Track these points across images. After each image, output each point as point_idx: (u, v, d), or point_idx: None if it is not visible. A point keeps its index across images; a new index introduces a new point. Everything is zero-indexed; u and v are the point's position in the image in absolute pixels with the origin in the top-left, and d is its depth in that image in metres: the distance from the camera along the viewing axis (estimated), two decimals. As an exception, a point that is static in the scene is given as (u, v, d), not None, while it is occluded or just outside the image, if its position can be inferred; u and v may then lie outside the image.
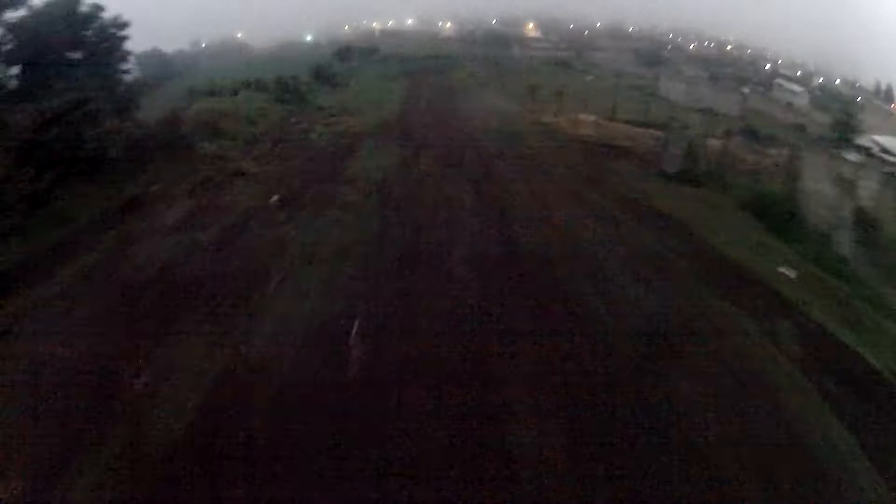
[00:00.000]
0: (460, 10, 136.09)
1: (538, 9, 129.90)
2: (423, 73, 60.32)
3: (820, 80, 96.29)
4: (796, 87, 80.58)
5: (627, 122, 36.00)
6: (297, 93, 42.22)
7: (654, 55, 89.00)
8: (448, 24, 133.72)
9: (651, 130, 31.85)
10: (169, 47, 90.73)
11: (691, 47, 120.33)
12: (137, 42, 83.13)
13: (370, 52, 76.94)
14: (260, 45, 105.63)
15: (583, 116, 34.51)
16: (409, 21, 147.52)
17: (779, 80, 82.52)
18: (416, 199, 19.52)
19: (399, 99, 43.67)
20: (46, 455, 7.85)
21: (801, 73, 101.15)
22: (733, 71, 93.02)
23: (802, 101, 77.42)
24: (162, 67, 75.93)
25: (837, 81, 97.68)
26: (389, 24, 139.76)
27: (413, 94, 47.24)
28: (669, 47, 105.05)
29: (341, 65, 65.96)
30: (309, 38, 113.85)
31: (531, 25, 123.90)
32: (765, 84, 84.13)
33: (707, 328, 11.64)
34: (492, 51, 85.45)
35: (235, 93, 40.43)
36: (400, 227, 16.76)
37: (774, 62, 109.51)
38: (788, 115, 65.80)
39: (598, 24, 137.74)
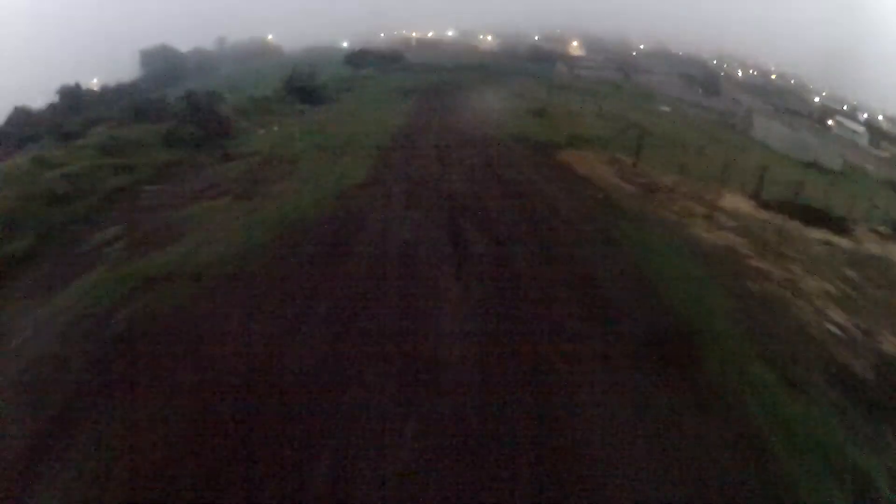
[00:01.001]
0: (502, 25, 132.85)
1: (581, 27, 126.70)
2: (448, 89, 47.81)
3: (864, 116, 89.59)
4: (857, 127, 74.71)
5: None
6: (216, 123, 23.73)
7: (709, 82, 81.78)
8: (489, 38, 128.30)
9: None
10: (201, 43, 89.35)
11: (738, 74, 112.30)
12: (163, 38, 74.84)
13: (392, 60, 65.26)
14: (290, 48, 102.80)
15: (732, 200, 16.66)
16: (450, 33, 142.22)
17: (839, 118, 76.73)
18: None
19: (394, 134, 24.28)
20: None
21: (847, 107, 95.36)
22: (786, 103, 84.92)
23: (863, 141, 71.98)
24: (168, 66, 70.51)
25: (880, 117, 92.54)
26: (430, 34, 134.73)
27: (420, 124, 27.79)
28: (722, 73, 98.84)
29: (353, 72, 55.14)
30: (345, 43, 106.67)
31: (575, 44, 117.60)
32: (821, 121, 77.78)
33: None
34: (535, 67, 77.65)
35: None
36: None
37: (819, 94, 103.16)
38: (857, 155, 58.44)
39: (641, 46, 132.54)
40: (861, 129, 71.81)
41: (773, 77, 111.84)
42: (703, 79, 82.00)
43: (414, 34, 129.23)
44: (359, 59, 61.23)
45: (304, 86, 39.44)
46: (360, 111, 33.23)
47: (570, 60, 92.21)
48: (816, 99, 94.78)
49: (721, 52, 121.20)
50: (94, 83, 59.83)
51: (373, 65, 59.14)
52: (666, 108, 52.09)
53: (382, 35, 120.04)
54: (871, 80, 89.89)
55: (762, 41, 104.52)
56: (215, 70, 77.08)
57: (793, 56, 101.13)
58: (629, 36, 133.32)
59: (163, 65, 69.48)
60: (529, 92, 46.86)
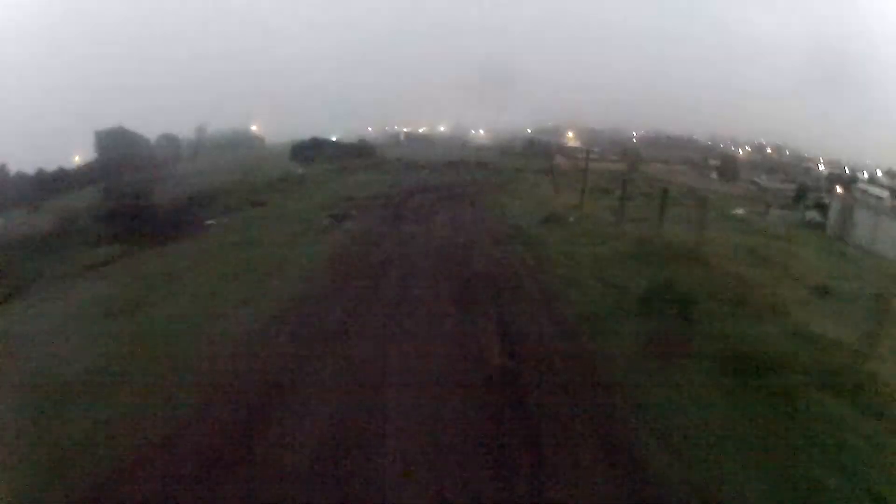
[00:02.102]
0: (495, 120, 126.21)
1: (575, 119, 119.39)
2: (430, 198, 35.45)
3: (865, 175, 78.85)
4: (881, 192, 64.07)
5: None
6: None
7: (725, 166, 72.35)
8: (481, 132, 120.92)
9: None
10: (182, 130, 79.23)
11: (739, 152, 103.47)
12: (153, 123, 65.64)
13: (358, 154, 54.13)
14: (273, 140, 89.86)
15: None
16: (442, 128, 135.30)
17: (861, 187, 66.84)
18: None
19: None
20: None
21: (849, 170, 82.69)
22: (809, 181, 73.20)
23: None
24: (127, 152, 62.47)
25: (879, 174, 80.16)
26: (421, 129, 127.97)
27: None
28: (741, 158, 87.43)
29: (302, 168, 44.20)
30: (334, 137, 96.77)
31: (570, 134, 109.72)
32: (829, 191, 65.69)
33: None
34: (532, 162, 68.48)
35: None
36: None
37: (817, 161, 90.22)
38: None
39: (634, 134, 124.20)
40: (885, 194, 62.21)
41: (769, 151, 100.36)
42: (720, 163, 73.60)
43: (405, 129, 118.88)
44: (311, 152, 49.64)
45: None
46: (250, 244, 20.52)
47: (568, 152, 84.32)
48: (821, 168, 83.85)
49: (714, 133, 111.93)
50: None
51: (330, 160, 47.67)
52: (740, 211, 40.19)
53: (370, 129, 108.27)
54: (859, 136, 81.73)
55: (749, 115, 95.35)
56: (184, 160, 71.21)
57: (784, 125, 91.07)
58: (624, 124, 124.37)
59: (121, 150, 62.13)
60: (542, 195, 35.60)
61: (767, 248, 23.06)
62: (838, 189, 65.05)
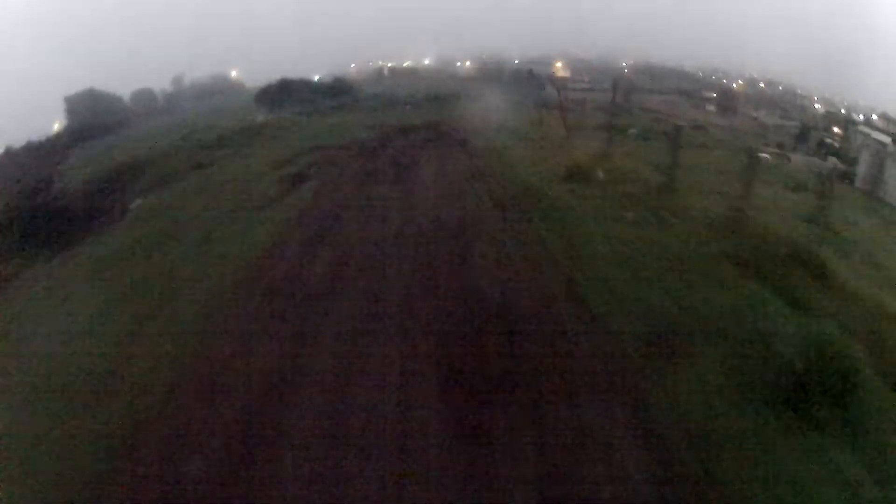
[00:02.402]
0: (480, 51, 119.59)
1: (562, 49, 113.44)
2: (409, 142, 29.93)
3: (861, 117, 72.35)
4: (883, 137, 54.83)
5: None
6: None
7: (723, 99, 68.72)
8: (468, 63, 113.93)
9: None
10: (157, 83, 72.66)
11: (737, 87, 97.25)
12: (119, 81, 59.79)
13: (333, 94, 47.01)
14: (255, 85, 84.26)
15: None
16: (427, 61, 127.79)
17: (860, 129, 59.46)
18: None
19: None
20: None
21: (844, 110, 76.78)
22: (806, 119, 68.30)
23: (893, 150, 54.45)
24: (100, 114, 56.48)
25: (874, 117, 73.66)
26: (405, 63, 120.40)
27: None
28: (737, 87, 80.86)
29: (268, 115, 37.51)
30: (316, 77, 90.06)
31: (559, 64, 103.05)
32: (827, 130, 63.48)
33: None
34: (520, 92, 64.00)
35: None
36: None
37: (814, 99, 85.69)
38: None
39: (624, 64, 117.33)
40: (887, 138, 52.21)
41: (762, 85, 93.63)
42: (718, 95, 69.37)
43: (389, 64, 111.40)
44: (278, 95, 42.59)
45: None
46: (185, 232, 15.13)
47: (556, 82, 74.31)
48: (817, 106, 77.66)
49: (703, 64, 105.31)
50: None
51: (301, 102, 40.59)
52: (765, 155, 33.60)
53: (353, 66, 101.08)
54: (865, 75, 72.09)
55: (739, 48, 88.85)
56: (161, 115, 63.25)
57: (776, 59, 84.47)
58: (612, 53, 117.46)
59: (91, 113, 56.01)
60: (551, 136, 29.15)
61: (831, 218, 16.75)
62: (837, 130, 61.44)
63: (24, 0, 79.39)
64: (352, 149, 26.12)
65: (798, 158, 40.70)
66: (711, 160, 25.74)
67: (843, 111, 73.46)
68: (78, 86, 58.72)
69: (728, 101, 65.87)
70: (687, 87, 79.34)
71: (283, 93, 44.43)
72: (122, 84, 62.32)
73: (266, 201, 16.95)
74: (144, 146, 31.01)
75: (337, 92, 49.98)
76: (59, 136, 53.81)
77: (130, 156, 28.19)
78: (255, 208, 16.13)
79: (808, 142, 50.80)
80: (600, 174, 17.27)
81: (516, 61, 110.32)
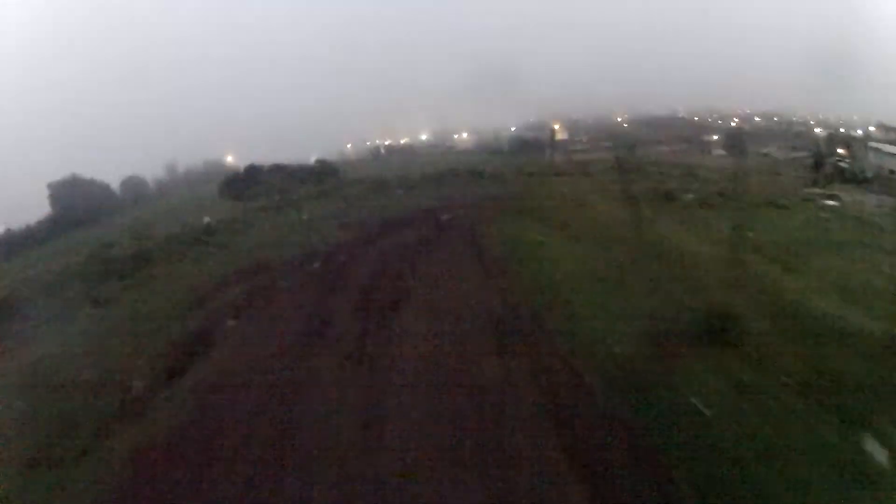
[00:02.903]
0: (477, 122, 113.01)
1: (556, 111, 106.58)
2: (384, 272, 16.83)
3: (860, 133, 67.74)
4: (893, 149, 52.98)
5: None
6: None
7: (732, 140, 60.42)
8: (465, 136, 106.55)
9: None
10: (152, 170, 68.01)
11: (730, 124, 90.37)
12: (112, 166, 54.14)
13: (315, 178, 38.39)
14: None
15: None
16: (423, 137, 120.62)
17: (873, 145, 55.51)
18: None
19: None
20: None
21: (844, 129, 70.85)
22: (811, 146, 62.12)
23: (903, 163, 55.99)
24: (85, 202, 50.04)
25: (872, 129, 69.24)
26: (403, 140, 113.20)
27: None
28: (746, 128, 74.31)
29: (235, 208, 28.97)
30: (313, 159, 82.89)
31: (556, 127, 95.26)
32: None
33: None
34: (521, 160, 59.07)
35: None
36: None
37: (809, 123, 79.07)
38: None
39: (619, 119, 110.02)
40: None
41: (758, 119, 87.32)
42: (723, 137, 63.24)
43: (385, 142, 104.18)
44: (245, 184, 33.86)
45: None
46: None
47: (556, 145, 72.61)
48: (817, 131, 71.94)
49: (695, 108, 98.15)
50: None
51: (271, 192, 31.76)
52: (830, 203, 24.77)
53: (349, 146, 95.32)
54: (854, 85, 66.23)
55: (726, 86, 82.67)
56: (151, 202, 58.05)
57: (765, 91, 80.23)
58: (605, 110, 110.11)
59: (78, 201, 49.84)
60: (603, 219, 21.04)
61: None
62: (841, 151, 54.98)
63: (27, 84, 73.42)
64: (311, 263, 16.98)
65: (847, 197, 33.31)
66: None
67: (842, 130, 67.88)
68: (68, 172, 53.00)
69: (736, 141, 58.65)
70: (687, 134, 73.63)
71: (250, 181, 35.57)
72: (115, 170, 56.24)
73: (96, 429, 7.73)
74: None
75: (319, 176, 41.19)
76: (40, 224, 48.59)
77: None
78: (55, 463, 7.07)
79: (823, 169, 45.80)
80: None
81: (513, 129, 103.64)
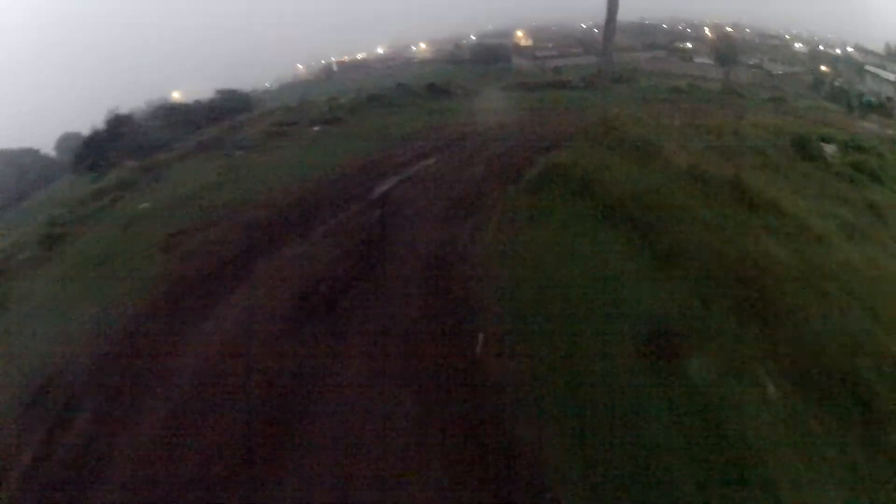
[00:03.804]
0: (435, 31, 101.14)
1: (518, 20, 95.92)
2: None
3: (838, 52, 61.85)
4: (890, 75, 47.76)
5: None
6: None
7: (723, 49, 51.58)
8: (423, 46, 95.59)
9: None
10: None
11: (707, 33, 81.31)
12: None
13: (223, 115, 26.17)
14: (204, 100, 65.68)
15: None
16: (380, 50, 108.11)
17: (870, 69, 49.61)
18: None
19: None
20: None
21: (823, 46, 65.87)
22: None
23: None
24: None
25: (850, 49, 62.78)
26: (359, 56, 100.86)
27: None
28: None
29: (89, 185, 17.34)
30: (267, 84, 77.80)
31: (520, 34, 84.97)
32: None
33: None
34: (485, 68, 51.72)
35: None
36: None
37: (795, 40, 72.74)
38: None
39: (585, 26, 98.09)
40: (894, 77, 45.49)
41: (729, 29, 77.45)
42: (716, 46, 54.28)
43: (344, 58, 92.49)
44: (105, 149, 21.68)
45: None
46: None
47: (524, 52, 64.08)
48: (797, 46, 66.87)
49: (659, 14, 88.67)
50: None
51: (148, 150, 19.83)
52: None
53: (301, 67, 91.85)
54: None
55: None
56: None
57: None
58: (569, 17, 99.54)
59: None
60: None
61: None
62: (824, 69, 50.60)
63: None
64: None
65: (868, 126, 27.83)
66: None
67: (822, 48, 62.60)
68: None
69: (728, 51, 50.93)
70: (661, 42, 66.65)
71: (114, 143, 23.26)
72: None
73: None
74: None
75: (219, 114, 28.80)
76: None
77: None
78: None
79: (822, 89, 43.21)
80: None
81: (473, 37, 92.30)
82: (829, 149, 12.85)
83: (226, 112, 33.12)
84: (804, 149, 12.78)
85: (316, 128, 21.94)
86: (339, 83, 54.45)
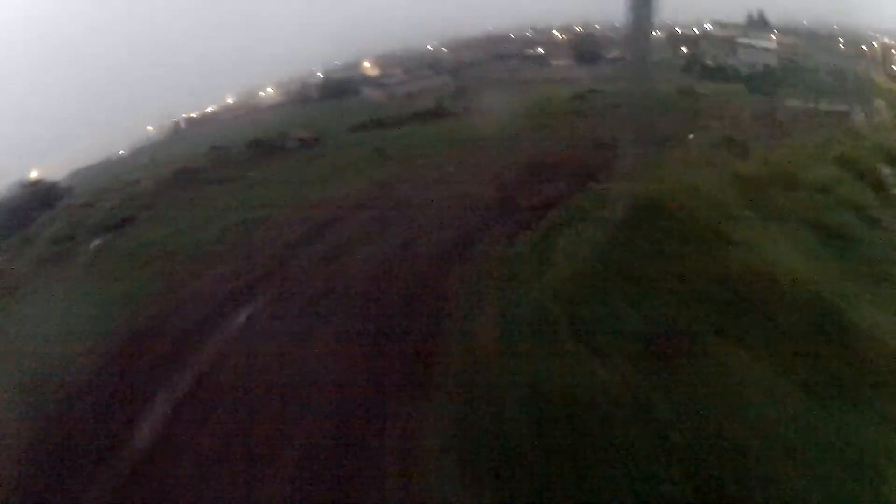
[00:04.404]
0: (282, 74, 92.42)
1: (362, 49, 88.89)
2: None
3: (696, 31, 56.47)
4: (764, 43, 44.44)
5: None
6: None
7: (584, 47, 47.63)
8: (270, 90, 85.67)
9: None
10: None
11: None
12: None
13: (56, 196, 21.05)
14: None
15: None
16: (229, 100, 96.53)
17: (743, 41, 45.97)
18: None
19: None
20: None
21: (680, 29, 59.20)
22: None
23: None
24: None
25: (708, 27, 58.48)
26: (209, 108, 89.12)
27: None
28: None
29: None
30: (121, 151, 60.04)
31: (367, 64, 77.09)
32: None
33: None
34: (334, 105, 49.57)
35: None
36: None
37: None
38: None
39: (430, 46, 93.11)
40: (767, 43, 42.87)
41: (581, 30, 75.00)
42: (577, 44, 49.46)
43: (193, 114, 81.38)
44: None
45: None
46: None
47: (372, 82, 58.48)
48: (653, 32, 57.92)
49: (520, 24, 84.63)
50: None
51: None
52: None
53: (150, 128, 70.97)
54: None
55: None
56: None
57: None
58: (413, 38, 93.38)
59: None
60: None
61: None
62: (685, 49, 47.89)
63: None
64: None
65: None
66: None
67: (679, 30, 54.95)
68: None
69: (588, 49, 47.10)
70: (511, 51, 59.05)
71: None
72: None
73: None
74: None
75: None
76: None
77: None
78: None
79: (694, 69, 40.73)
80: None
81: (319, 74, 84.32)
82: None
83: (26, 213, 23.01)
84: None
85: (97, 241, 14.39)
86: (185, 142, 47.15)
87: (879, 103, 18.42)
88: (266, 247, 10.92)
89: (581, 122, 17.57)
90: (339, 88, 57.31)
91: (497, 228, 9.61)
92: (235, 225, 12.08)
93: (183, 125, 72.51)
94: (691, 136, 15.07)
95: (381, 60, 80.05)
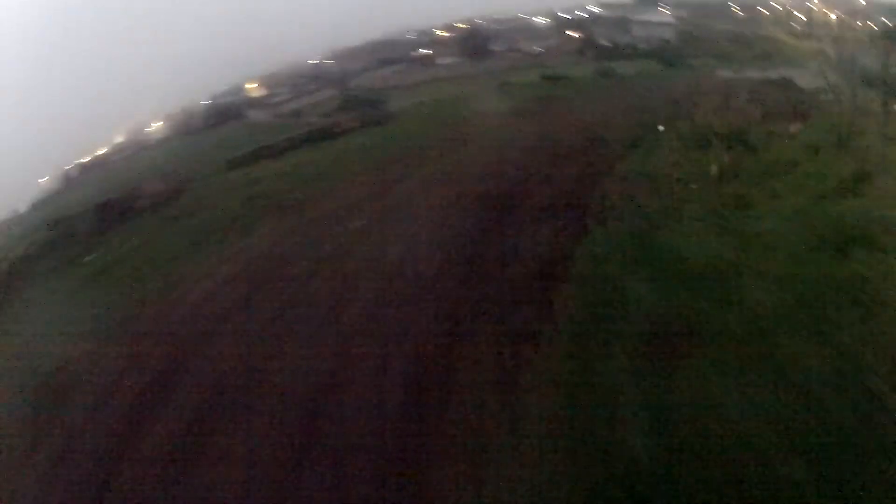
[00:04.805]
0: (168, 104, 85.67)
1: (247, 71, 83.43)
2: None
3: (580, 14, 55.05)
4: (659, 17, 44.10)
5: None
6: None
7: (472, 43, 45.24)
8: (159, 124, 78.95)
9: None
10: None
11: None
12: None
13: None
14: None
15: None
16: (118, 139, 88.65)
17: (639, 18, 44.23)
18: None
19: None
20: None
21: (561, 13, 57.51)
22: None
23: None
24: None
25: (596, 10, 54.86)
26: (100, 151, 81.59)
27: None
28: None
29: None
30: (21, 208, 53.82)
31: (252, 86, 71.83)
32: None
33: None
34: (220, 133, 45.86)
35: None
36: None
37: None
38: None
39: (310, 60, 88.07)
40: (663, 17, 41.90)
41: (465, 26, 73.12)
42: (463, 40, 46.17)
43: (84, 159, 75.16)
44: None
45: None
46: None
47: (257, 104, 55.09)
48: (539, 20, 54.81)
49: (402, 27, 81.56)
50: None
51: None
52: None
53: (46, 179, 64.54)
54: None
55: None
56: None
57: None
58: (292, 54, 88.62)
59: None
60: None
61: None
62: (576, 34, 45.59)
63: None
64: None
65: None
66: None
67: (564, 15, 53.78)
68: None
69: (477, 43, 45.13)
70: (397, 56, 55.44)
71: None
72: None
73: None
74: None
75: None
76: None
77: None
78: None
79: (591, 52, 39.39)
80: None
81: (203, 102, 78.33)
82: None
83: None
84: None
85: None
86: (74, 193, 43.35)
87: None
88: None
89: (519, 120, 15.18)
90: (223, 114, 52.46)
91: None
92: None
93: (73, 174, 65.94)
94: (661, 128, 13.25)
95: (266, 80, 75.21)
